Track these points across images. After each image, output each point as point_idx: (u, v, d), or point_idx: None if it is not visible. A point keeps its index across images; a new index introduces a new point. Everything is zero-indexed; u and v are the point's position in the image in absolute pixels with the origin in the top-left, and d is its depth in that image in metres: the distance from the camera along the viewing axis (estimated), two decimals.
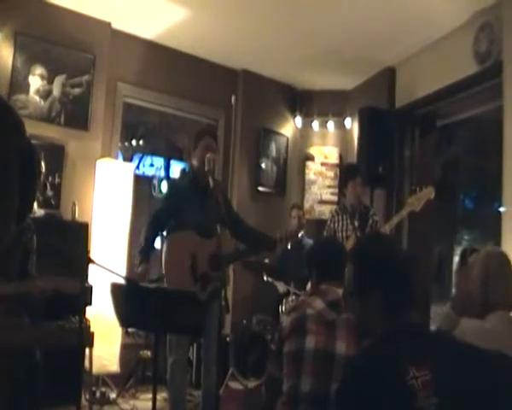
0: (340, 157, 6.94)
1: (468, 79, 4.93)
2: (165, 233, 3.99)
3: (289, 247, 5.18)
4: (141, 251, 3.80)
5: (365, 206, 5.06)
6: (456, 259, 5.55)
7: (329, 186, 6.92)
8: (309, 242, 5.75)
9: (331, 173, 6.91)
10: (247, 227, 4.16)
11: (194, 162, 3.95)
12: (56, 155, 5.07)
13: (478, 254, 2.58)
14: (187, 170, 4.23)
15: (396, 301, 1.70)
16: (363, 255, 1.83)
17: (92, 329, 3.62)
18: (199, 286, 3.70)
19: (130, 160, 7.39)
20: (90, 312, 3.97)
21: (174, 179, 5.30)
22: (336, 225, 4.96)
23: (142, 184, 6.96)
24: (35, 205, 4.47)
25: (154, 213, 4.03)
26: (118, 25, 5.61)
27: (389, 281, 1.70)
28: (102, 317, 4.46)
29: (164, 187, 5.76)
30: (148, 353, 5.21)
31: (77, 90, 5.25)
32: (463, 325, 2.47)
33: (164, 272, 3.79)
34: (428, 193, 4.25)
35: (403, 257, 1.80)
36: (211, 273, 3.73)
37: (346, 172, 5.43)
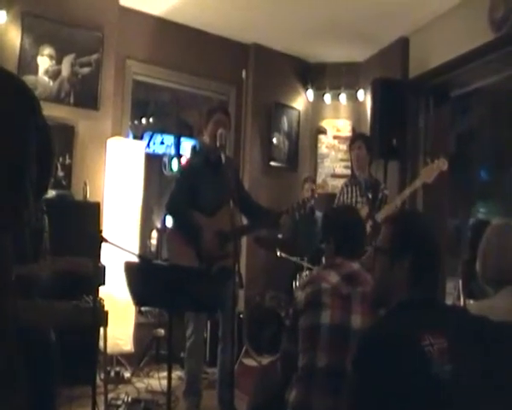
0: (353, 130, 6.82)
1: (483, 47, 4.83)
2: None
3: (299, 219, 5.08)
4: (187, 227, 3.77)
5: (376, 180, 5.00)
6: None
7: (342, 160, 6.82)
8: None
9: (344, 147, 6.75)
10: (254, 203, 4.13)
11: (206, 138, 3.91)
12: (67, 135, 5.04)
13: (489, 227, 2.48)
14: (198, 147, 4.17)
15: (421, 272, 1.74)
16: (405, 221, 1.92)
17: (106, 308, 3.62)
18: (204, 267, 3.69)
19: (141, 138, 7.37)
20: (104, 292, 3.97)
21: (188, 158, 5.26)
22: (346, 196, 4.87)
23: (153, 163, 6.96)
24: None
25: (172, 196, 3.94)
26: (126, 2, 5.54)
27: (420, 252, 1.76)
28: (116, 297, 4.47)
29: (174, 165, 5.73)
30: (162, 331, 5.21)
31: (86, 70, 5.19)
32: (474, 307, 2.43)
33: (168, 256, 3.79)
34: (441, 164, 4.20)
35: (435, 239, 1.85)
36: (217, 252, 3.70)
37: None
